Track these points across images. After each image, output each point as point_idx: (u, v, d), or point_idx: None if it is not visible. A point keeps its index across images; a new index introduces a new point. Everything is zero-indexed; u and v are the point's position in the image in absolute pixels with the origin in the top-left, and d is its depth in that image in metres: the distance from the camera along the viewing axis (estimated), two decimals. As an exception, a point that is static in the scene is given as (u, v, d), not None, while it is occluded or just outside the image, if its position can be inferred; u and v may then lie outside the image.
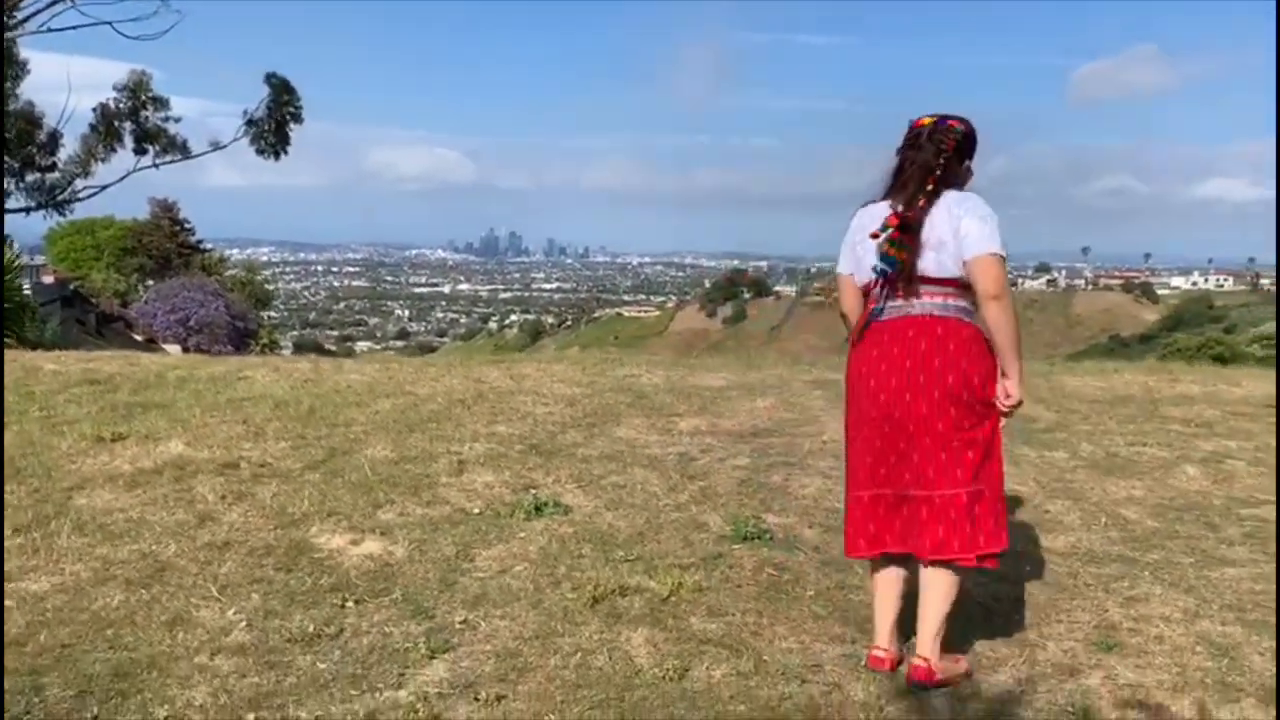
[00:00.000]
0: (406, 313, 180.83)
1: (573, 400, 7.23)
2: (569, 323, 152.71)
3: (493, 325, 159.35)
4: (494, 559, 3.95)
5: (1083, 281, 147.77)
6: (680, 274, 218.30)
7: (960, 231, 2.90)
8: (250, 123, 25.95)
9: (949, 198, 2.97)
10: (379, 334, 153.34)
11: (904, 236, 2.95)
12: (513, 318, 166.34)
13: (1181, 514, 4.72)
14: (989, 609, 3.50)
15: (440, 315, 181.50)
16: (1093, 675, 3.02)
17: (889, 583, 3.12)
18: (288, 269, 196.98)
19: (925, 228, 2.96)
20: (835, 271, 3.26)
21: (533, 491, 4.85)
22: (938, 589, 3.02)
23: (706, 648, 3.15)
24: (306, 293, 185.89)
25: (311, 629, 3.28)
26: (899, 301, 3.03)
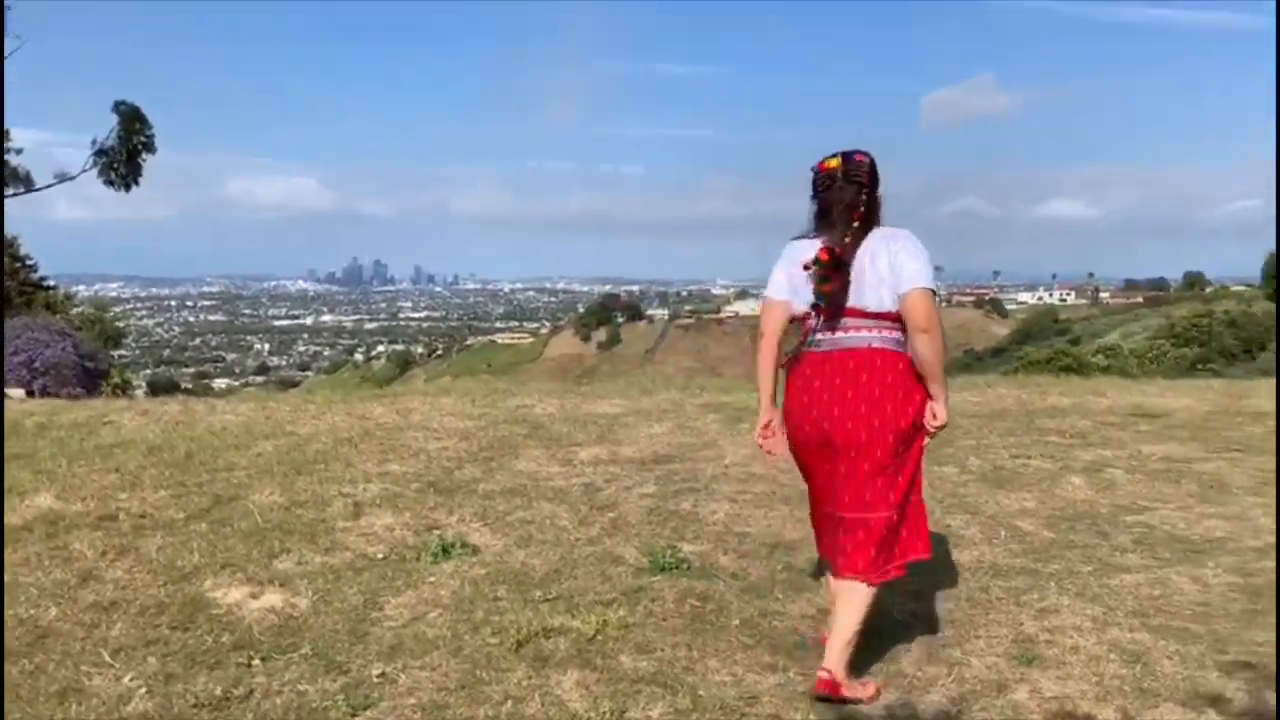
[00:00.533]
0: (266, 346, 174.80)
1: (466, 434, 7.08)
2: (439, 352, 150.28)
3: (359, 357, 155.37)
4: (405, 606, 3.80)
5: (937, 298, 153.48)
6: (553, 299, 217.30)
7: (895, 267, 3.00)
8: (100, 153, 24.72)
9: (879, 234, 3.08)
10: (238, 370, 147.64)
11: (832, 271, 3.02)
12: (380, 348, 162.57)
13: (1073, 524, 4.89)
14: (909, 627, 3.53)
15: (303, 348, 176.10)
16: (1019, 690, 3.07)
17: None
18: (139, 305, 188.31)
19: (856, 263, 3.05)
20: (764, 296, 3.29)
21: (436, 532, 4.71)
22: (850, 602, 3.09)
23: (640, 686, 3.08)
24: (160, 329, 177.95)
25: (219, 691, 3.07)
26: (836, 334, 3.10)
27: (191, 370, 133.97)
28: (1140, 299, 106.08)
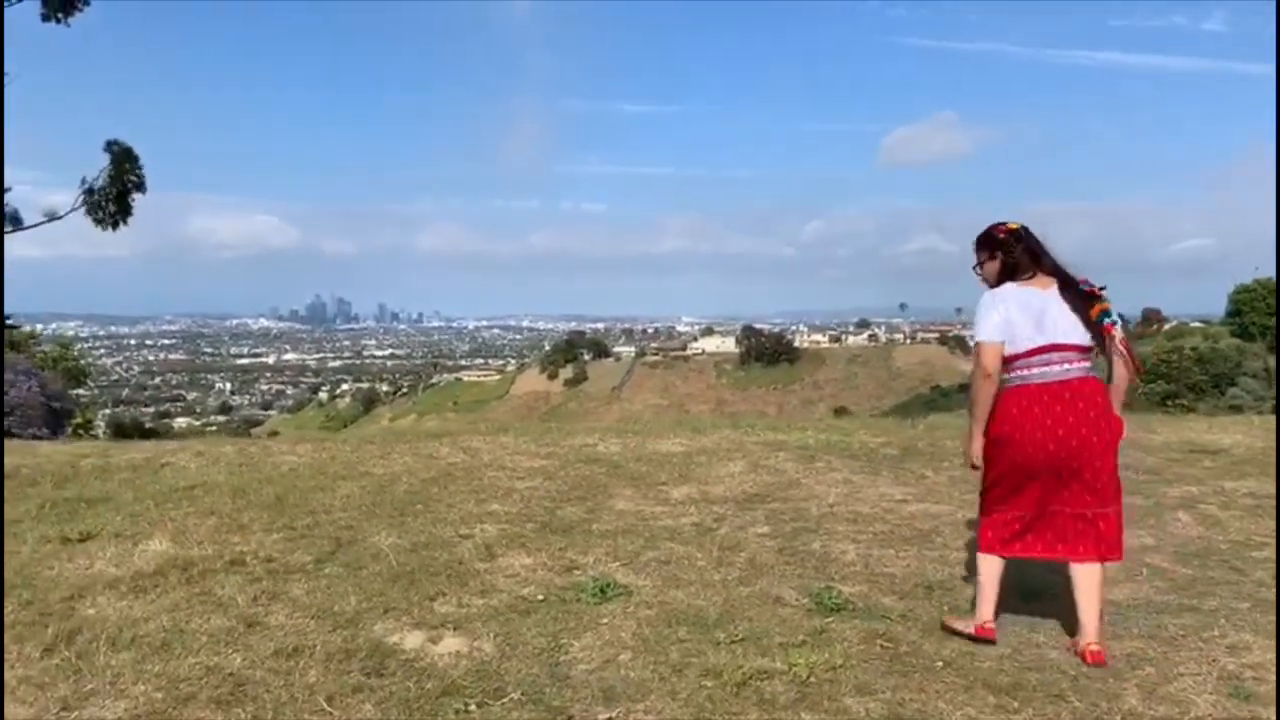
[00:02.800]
0: (228, 385, 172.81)
1: (548, 473, 7.04)
2: (405, 390, 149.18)
3: (323, 395, 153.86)
4: (591, 648, 3.76)
5: (901, 335, 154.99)
6: (518, 337, 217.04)
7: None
8: (89, 192, 24.42)
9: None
10: (199, 409, 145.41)
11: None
12: (344, 386, 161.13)
13: (1204, 560, 4.94)
14: (1117, 671, 3.53)
15: (265, 387, 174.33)
16: (1259, 727, 3.10)
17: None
18: (97, 343, 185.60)
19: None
20: (984, 339, 3.70)
21: (577, 573, 4.68)
22: (1098, 581, 3.76)
23: (882, 729, 3.07)
24: (119, 368, 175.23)
25: (456, 740, 3.02)
26: (1067, 366, 3.72)
27: (151, 410, 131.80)
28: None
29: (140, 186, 26.09)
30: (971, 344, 3.85)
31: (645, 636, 3.85)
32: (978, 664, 3.58)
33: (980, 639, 3.76)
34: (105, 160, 25.11)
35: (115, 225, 26.17)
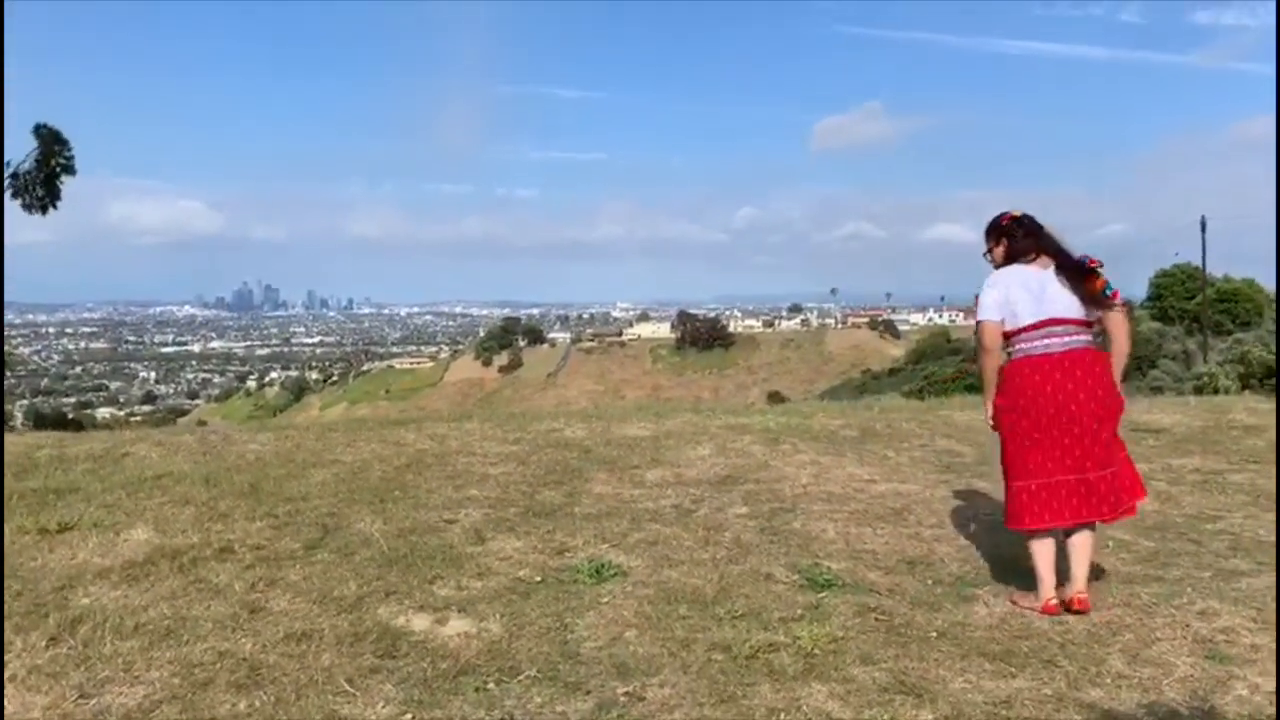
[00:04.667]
0: (153, 374, 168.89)
1: (519, 459, 7.10)
2: (335, 378, 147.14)
3: (251, 384, 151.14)
4: (597, 627, 3.85)
5: (833, 320, 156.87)
6: (452, 323, 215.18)
7: None
8: (14, 176, 23.68)
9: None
10: (122, 399, 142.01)
11: None
12: (273, 375, 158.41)
13: (1163, 533, 5.20)
14: (1099, 637, 3.74)
15: (191, 376, 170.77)
16: (1239, 686, 3.31)
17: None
18: (14, 332, 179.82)
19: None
20: (982, 319, 4.10)
21: (569, 555, 4.77)
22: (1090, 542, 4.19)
23: (890, 696, 3.22)
24: (37, 357, 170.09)
25: (483, 715, 3.10)
26: (1069, 338, 4.06)
27: (73, 400, 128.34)
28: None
29: (69, 169, 25.42)
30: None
31: (648, 614, 3.96)
32: (970, 634, 3.76)
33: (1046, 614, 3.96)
34: (32, 144, 24.53)
35: (45, 209, 25.53)
